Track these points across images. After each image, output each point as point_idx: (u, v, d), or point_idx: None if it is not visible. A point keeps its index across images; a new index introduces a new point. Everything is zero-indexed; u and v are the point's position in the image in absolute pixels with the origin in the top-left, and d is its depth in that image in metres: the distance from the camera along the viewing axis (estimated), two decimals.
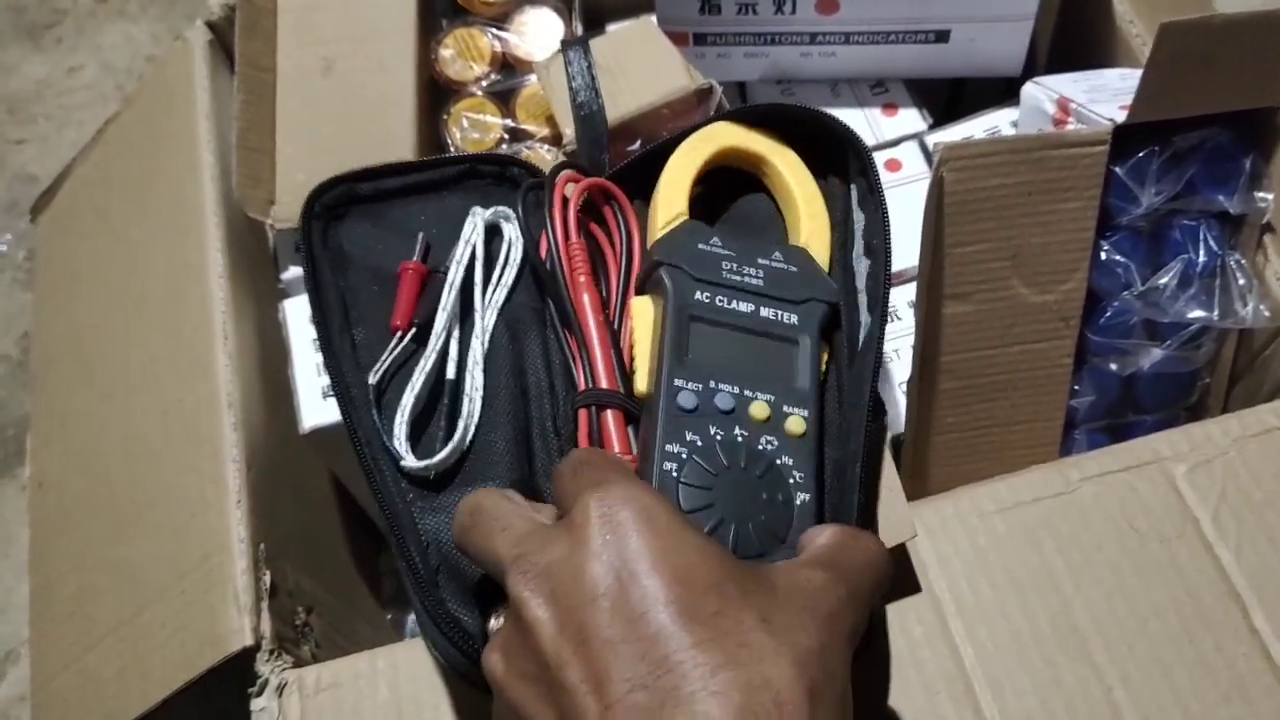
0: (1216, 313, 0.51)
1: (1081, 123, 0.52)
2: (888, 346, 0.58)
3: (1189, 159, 0.51)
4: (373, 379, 0.45)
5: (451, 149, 0.60)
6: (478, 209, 0.49)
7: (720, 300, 0.42)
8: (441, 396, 0.45)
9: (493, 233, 0.49)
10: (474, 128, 0.60)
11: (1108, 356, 0.54)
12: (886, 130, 0.64)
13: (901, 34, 0.62)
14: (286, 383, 0.58)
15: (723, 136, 0.47)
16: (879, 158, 0.63)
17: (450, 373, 0.45)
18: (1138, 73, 0.52)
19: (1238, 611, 0.45)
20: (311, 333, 0.58)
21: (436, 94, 0.63)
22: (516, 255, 0.49)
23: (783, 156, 0.47)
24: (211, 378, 0.54)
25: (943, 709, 0.43)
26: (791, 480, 0.39)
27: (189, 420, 0.55)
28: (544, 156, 0.59)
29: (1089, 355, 0.54)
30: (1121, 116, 0.49)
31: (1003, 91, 0.69)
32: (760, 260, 0.43)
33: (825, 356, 0.43)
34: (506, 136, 0.60)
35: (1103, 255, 0.51)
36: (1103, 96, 0.52)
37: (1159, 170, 0.50)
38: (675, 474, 0.38)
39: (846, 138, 0.46)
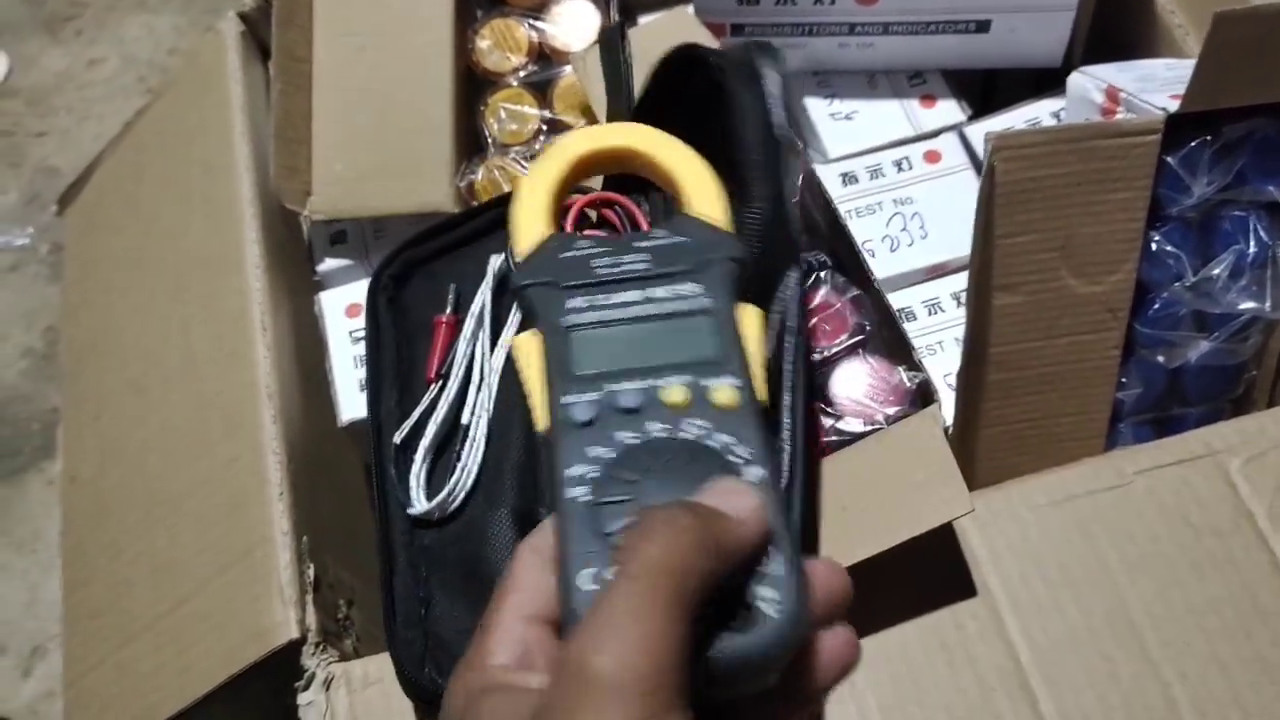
0: (1269, 304, 0.51)
1: (1132, 112, 0.51)
2: (931, 339, 0.57)
3: (1239, 149, 0.51)
4: (397, 438, 0.48)
5: (489, 139, 0.59)
6: (494, 256, 0.50)
7: (600, 299, 0.37)
8: (455, 442, 0.48)
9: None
10: (511, 119, 0.59)
11: (1155, 348, 0.53)
12: (925, 122, 0.63)
13: (941, 24, 0.61)
14: (322, 375, 0.57)
15: (573, 145, 0.43)
16: (917, 149, 0.63)
17: (465, 417, 0.48)
18: (1185, 62, 0.52)
19: None
20: (348, 325, 0.58)
21: (473, 85, 0.62)
22: None
23: (641, 136, 0.43)
24: (250, 369, 0.54)
25: (999, 705, 0.43)
26: (734, 457, 0.33)
27: (228, 412, 0.54)
28: None
29: (1136, 347, 0.53)
30: (1173, 106, 0.49)
31: (1036, 83, 0.69)
32: (639, 244, 0.39)
33: (759, 316, 0.38)
34: (544, 128, 0.60)
35: (1153, 246, 0.51)
36: (1152, 86, 0.52)
37: (1210, 160, 0.50)
38: (589, 497, 0.31)
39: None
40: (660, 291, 0.37)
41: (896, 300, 0.56)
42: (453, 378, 0.48)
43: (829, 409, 0.52)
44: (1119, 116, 0.52)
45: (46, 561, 0.86)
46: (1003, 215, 0.49)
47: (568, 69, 0.62)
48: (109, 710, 0.55)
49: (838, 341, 0.51)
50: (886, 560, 0.45)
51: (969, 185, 0.60)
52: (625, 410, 0.33)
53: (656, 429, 0.33)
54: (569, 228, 0.48)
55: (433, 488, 0.47)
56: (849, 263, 0.53)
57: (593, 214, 0.50)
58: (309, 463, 0.55)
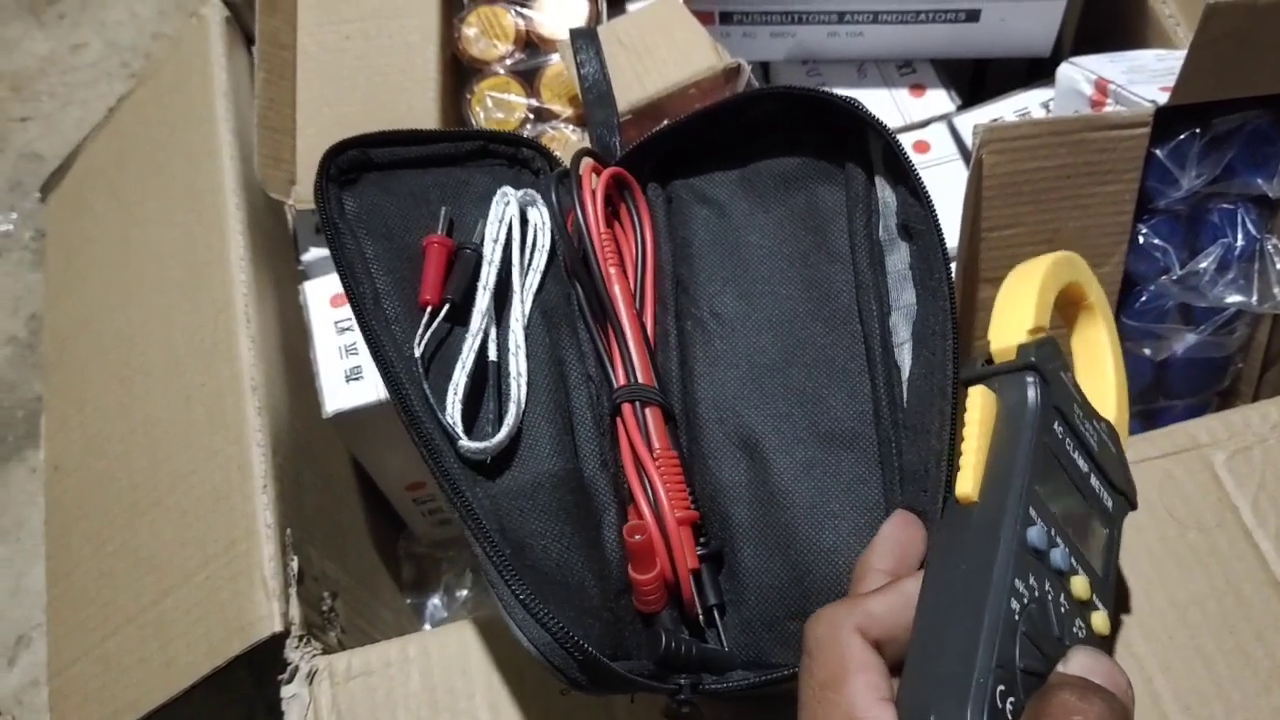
0: (1255, 297, 0.51)
1: (1120, 104, 0.51)
2: None
3: (1228, 142, 0.51)
4: (418, 351, 0.42)
5: (475, 128, 0.59)
6: (509, 190, 0.47)
7: (1069, 444, 0.37)
8: (486, 379, 0.43)
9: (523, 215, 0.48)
10: (498, 107, 0.59)
11: (1141, 341, 0.53)
12: (914, 111, 0.63)
13: (931, 13, 0.61)
14: (307, 366, 0.57)
15: (1080, 268, 0.42)
16: (906, 139, 0.62)
17: (492, 355, 0.43)
18: (1175, 54, 0.52)
19: (1278, 600, 0.45)
20: (333, 315, 0.57)
21: (460, 73, 0.62)
22: (545, 242, 0.47)
23: (1107, 318, 0.43)
24: (235, 361, 0.54)
25: None
26: None
27: (212, 404, 0.54)
28: (569, 136, 0.59)
29: (1123, 340, 0.53)
30: (1162, 98, 0.48)
31: (1026, 73, 0.68)
32: (1095, 423, 0.39)
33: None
34: (531, 116, 0.59)
35: (1140, 239, 0.51)
36: (1141, 78, 0.51)
37: (1199, 153, 0.49)
38: (1018, 619, 0.32)
39: (870, 123, 0.43)
40: (1095, 483, 0.38)
41: None
42: (480, 308, 0.43)
43: None
44: (1108, 108, 0.52)
45: (31, 550, 0.85)
46: (990, 208, 0.48)
47: (555, 57, 0.61)
48: (93, 702, 0.55)
49: None
50: None
51: (958, 175, 0.60)
52: (1057, 570, 0.34)
53: (1063, 604, 0.34)
54: (599, 198, 0.46)
55: (470, 427, 0.42)
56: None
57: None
58: (293, 455, 0.55)
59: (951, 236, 0.50)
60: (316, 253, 0.61)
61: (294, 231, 0.63)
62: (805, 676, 0.33)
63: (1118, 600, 0.44)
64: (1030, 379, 0.36)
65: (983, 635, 0.31)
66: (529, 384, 0.44)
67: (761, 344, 0.45)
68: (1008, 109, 0.63)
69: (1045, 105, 0.63)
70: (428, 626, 0.69)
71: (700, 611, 0.42)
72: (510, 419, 0.42)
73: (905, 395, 0.42)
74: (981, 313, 0.50)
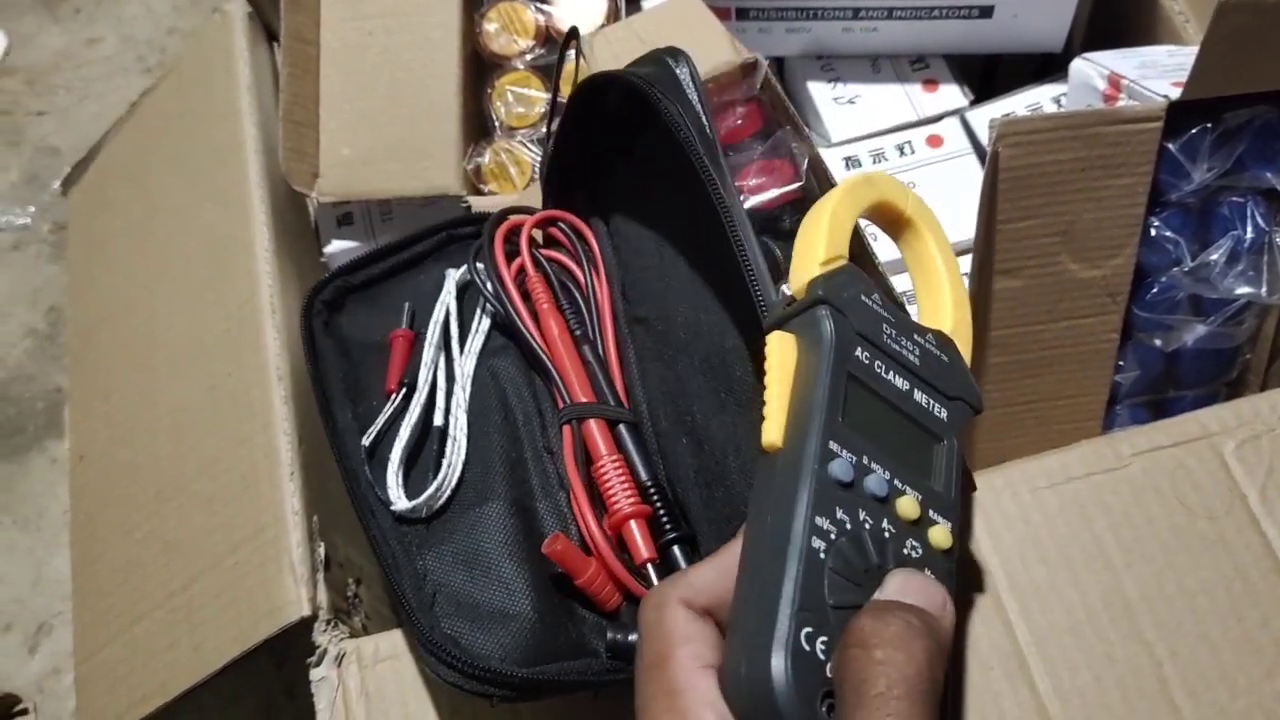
0: (1264, 289, 0.51)
1: (1133, 99, 0.52)
2: None
3: (1239, 136, 0.51)
4: (365, 441, 0.48)
5: (496, 123, 0.60)
6: (451, 270, 0.52)
7: (879, 367, 0.36)
8: (431, 443, 0.48)
9: (469, 287, 0.52)
10: (518, 102, 0.60)
11: (1152, 332, 0.54)
12: (927, 106, 0.64)
13: (945, 9, 0.62)
14: None
15: (883, 185, 0.41)
16: (919, 134, 0.63)
17: (438, 420, 0.48)
18: (1187, 50, 0.53)
19: None
20: None
21: (480, 68, 0.63)
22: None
23: (932, 227, 0.42)
24: (261, 351, 0.55)
25: (997, 684, 0.44)
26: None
27: (238, 394, 0.55)
28: None
29: (1134, 331, 0.54)
30: (1175, 93, 0.49)
31: (1037, 69, 0.69)
32: (916, 337, 0.38)
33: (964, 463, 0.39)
34: (550, 111, 0.60)
35: (1152, 231, 0.52)
36: (1154, 73, 0.52)
37: (1211, 147, 0.50)
38: (823, 556, 0.32)
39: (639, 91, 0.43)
40: (920, 398, 0.37)
41: (896, 285, 0.57)
42: (422, 384, 0.49)
43: None
44: (1121, 103, 0.53)
45: (51, 539, 0.87)
46: (1005, 200, 0.49)
47: (571, 53, 0.62)
48: (120, 686, 0.56)
49: None
50: None
51: (971, 170, 0.61)
52: (875, 496, 0.34)
53: (886, 528, 0.33)
54: (525, 251, 0.50)
55: (410, 489, 0.47)
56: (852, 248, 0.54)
57: (539, 234, 0.53)
58: (319, 443, 0.55)
59: (963, 230, 0.52)
60: (339, 245, 0.62)
61: (316, 224, 0.64)
62: (638, 661, 0.33)
63: (1131, 577, 0.45)
64: (823, 312, 0.35)
65: (784, 582, 0.31)
66: (477, 435, 0.48)
67: (685, 330, 0.47)
68: (1019, 104, 0.64)
69: (1056, 100, 0.63)
70: None
71: None
72: (440, 474, 0.47)
73: None
74: (998, 304, 0.51)
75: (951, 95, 0.64)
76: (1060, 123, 0.48)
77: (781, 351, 0.35)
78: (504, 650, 0.42)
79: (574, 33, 0.55)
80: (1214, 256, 0.51)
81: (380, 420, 0.48)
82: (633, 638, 0.41)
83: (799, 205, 0.53)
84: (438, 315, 0.51)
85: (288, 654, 0.80)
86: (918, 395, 0.37)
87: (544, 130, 0.60)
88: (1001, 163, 0.48)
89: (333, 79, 0.59)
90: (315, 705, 0.47)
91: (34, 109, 1.06)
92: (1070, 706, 0.43)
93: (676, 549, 0.45)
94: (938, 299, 0.41)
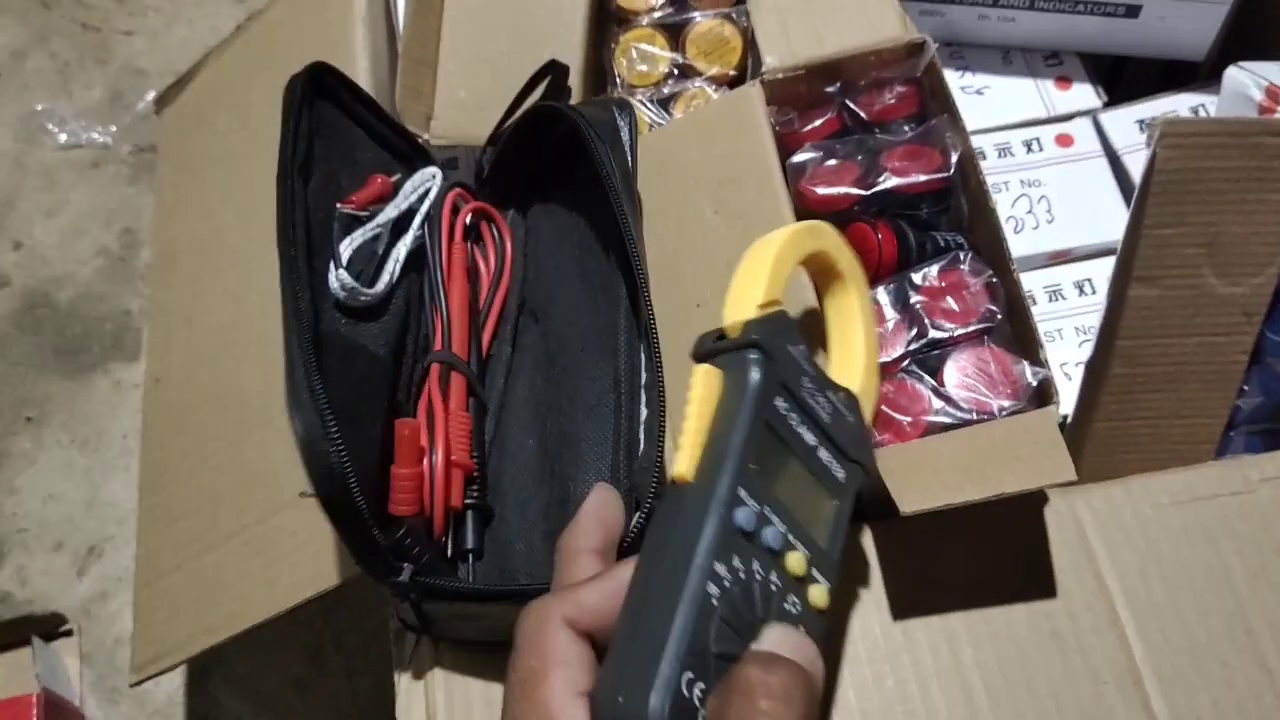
0: None
1: None
2: (1050, 326, 0.56)
3: None
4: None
5: (617, 79, 0.58)
6: (437, 170, 0.53)
7: (793, 420, 0.37)
8: (376, 253, 0.49)
9: (424, 197, 0.53)
10: (642, 59, 0.58)
11: None
12: (1059, 104, 0.62)
13: (1090, 4, 0.60)
14: None
15: (827, 236, 0.42)
16: (1048, 131, 0.61)
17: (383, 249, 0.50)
18: None
19: None
20: None
21: (605, 21, 0.61)
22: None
23: (860, 285, 0.43)
24: None
25: (1110, 699, 0.42)
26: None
27: None
28: (710, 95, 0.58)
29: (1263, 355, 0.52)
30: None
31: (1161, 75, 0.67)
32: (829, 394, 0.38)
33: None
34: (675, 71, 0.58)
35: None
36: None
37: None
38: (715, 603, 0.32)
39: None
40: (824, 455, 0.37)
41: (1025, 282, 0.55)
42: (390, 206, 0.50)
43: (942, 391, 0.50)
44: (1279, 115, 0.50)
45: (109, 461, 0.86)
46: (1153, 205, 0.47)
47: (701, 14, 0.60)
48: (183, 614, 0.55)
49: (966, 325, 0.49)
50: (999, 538, 0.44)
51: (1101, 173, 0.59)
52: (769, 548, 0.34)
53: (774, 582, 0.34)
54: (458, 235, 0.53)
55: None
56: (982, 244, 0.52)
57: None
58: None
59: (1091, 235, 0.49)
60: None
61: None
62: (509, 672, 0.33)
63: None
64: (753, 356, 0.36)
65: (675, 623, 0.31)
66: (395, 298, 0.49)
67: (571, 336, 0.50)
68: (1155, 110, 0.61)
69: (1194, 110, 0.61)
70: None
71: (453, 550, 0.46)
72: (385, 281, 0.48)
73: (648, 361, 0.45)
74: (1130, 313, 0.49)
75: (1084, 94, 0.62)
76: (1223, 128, 0.46)
77: (706, 385, 0.36)
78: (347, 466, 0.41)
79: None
80: None
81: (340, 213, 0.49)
82: (440, 563, 0.44)
83: (941, 196, 0.50)
84: (415, 188, 0.52)
85: (338, 605, 0.80)
86: (822, 453, 0.37)
87: (665, 91, 0.58)
88: (1158, 164, 0.46)
89: (457, 20, 0.58)
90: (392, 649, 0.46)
91: (124, 28, 1.05)
92: None
93: (470, 515, 0.47)
94: (851, 357, 0.42)
